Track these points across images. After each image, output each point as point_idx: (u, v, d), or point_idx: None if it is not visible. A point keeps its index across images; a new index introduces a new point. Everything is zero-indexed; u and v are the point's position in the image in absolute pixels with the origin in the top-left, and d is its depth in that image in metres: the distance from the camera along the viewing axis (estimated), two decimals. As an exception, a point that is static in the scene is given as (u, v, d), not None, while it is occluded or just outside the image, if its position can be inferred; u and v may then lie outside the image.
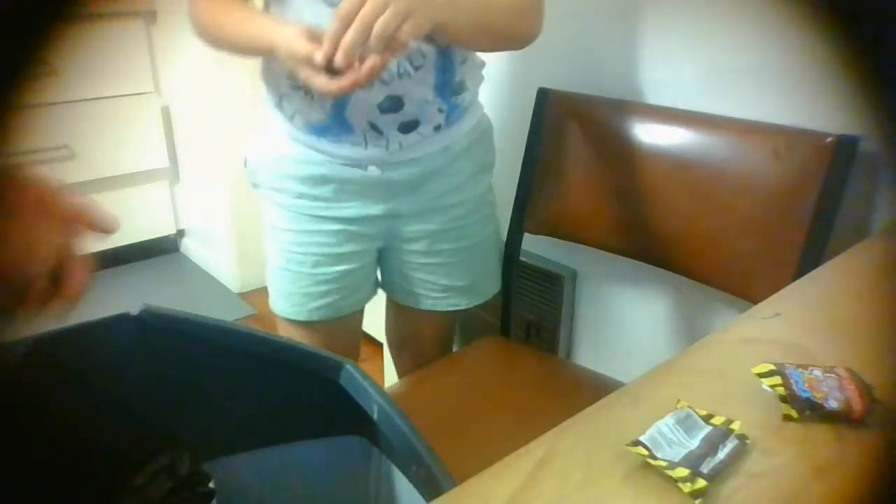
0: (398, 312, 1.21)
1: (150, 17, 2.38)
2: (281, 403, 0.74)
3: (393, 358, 1.31)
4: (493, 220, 1.15)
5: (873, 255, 0.82)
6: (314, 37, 0.78)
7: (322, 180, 0.99)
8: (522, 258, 1.31)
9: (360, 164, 0.98)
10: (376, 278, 1.14)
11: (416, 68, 0.92)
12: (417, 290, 1.12)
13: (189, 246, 2.73)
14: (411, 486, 0.62)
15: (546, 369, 1.23)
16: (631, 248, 1.14)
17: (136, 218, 2.55)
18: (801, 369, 0.55)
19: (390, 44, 0.76)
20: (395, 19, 0.74)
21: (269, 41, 0.83)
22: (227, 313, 2.25)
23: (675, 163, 1.05)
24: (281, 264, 1.06)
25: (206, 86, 2.26)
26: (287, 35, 0.80)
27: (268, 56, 0.86)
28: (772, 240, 0.96)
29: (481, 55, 1.05)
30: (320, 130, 0.96)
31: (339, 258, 1.04)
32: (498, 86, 1.34)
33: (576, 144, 1.17)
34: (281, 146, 1.01)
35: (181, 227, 2.72)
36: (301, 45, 0.77)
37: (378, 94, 0.92)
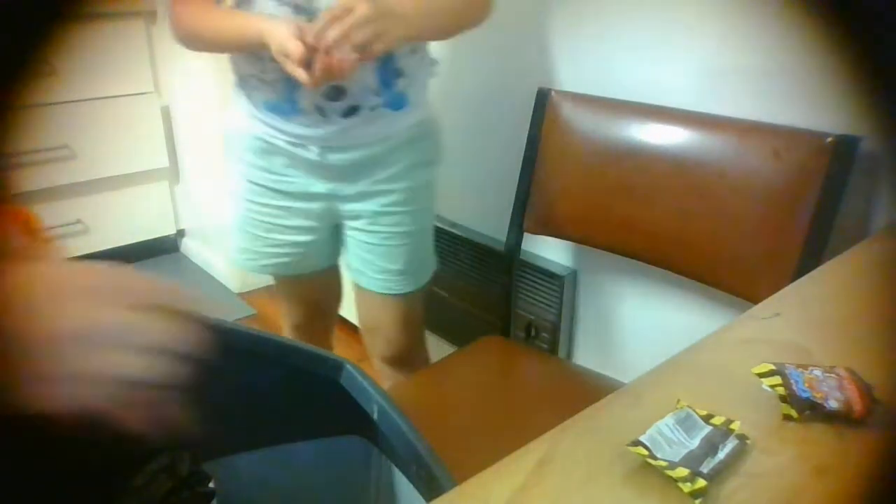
0: (357, 296, 1.28)
1: (150, 17, 2.38)
2: (281, 403, 0.73)
3: (368, 349, 1.33)
4: (430, 213, 1.22)
5: (873, 255, 0.82)
6: (301, 34, 0.88)
7: (273, 153, 1.10)
8: (522, 258, 1.31)
9: (303, 145, 1.08)
10: (338, 246, 1.23)
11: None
12: (361, 267, 1.21)
13: (189, 246, 2.73)
14: (411, 486, 0.62)
15: (546, 369, 1.23)
16: (631, 248, 1.14)
17: (136, 218, 2.55)
18: (801, 369, 0.55)
19: (365, 51, 0.88)
20: (372, 34, 0.87)
21: (258, 37, 0.93)
22: (227, 313, 2.24)
23: (675, 163, 1.05)
24: (240, 225, 1.20)
25: (206, 86, 2.25)
26: (280, 33, 0.89)
27: (256, 50, 0.96)
28: (772, 239, 0.96)
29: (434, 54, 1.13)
30: (272, 107, 1.07)
31: (288, 230, 1.16)
32: (498, 86, 1.34)
33: (575, 144, 1.17)
34: (243, 120, 1.12)
35: (181, 227, 2.71)
36: (293, 46, 0.87)
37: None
